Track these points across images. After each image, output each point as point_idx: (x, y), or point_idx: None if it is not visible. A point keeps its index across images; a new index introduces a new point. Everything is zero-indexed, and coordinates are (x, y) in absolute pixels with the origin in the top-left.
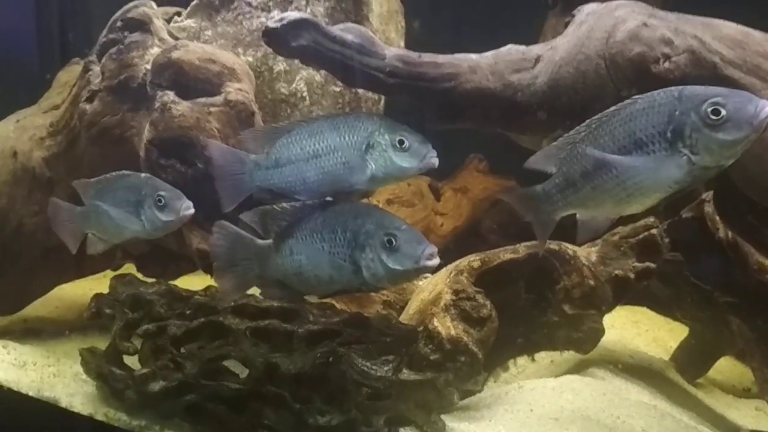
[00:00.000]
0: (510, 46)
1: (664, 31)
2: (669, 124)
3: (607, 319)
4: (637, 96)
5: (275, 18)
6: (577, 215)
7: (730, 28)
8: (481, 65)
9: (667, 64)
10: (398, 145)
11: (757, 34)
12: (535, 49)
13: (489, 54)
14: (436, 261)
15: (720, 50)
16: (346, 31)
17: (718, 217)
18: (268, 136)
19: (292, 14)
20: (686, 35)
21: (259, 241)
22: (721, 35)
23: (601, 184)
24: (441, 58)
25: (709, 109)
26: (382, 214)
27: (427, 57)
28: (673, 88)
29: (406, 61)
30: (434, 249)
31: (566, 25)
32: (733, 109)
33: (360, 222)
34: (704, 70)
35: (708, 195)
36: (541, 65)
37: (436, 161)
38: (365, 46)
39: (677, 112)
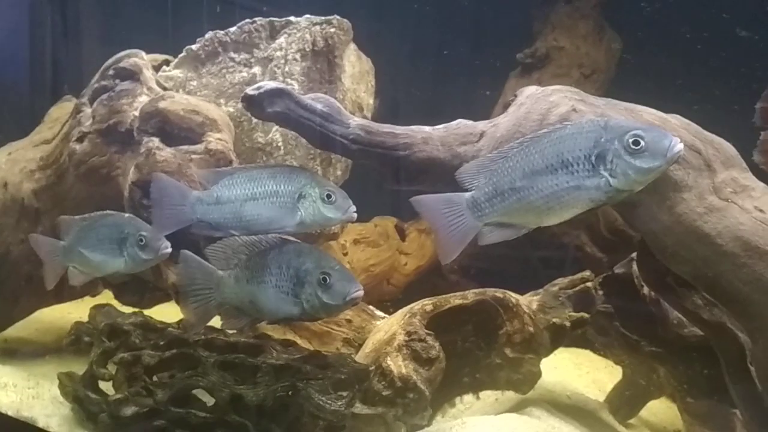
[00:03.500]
0: (459, 121)
1: (590, 117)
2: (594, 149)
3: (551, 361)
4: (566, 123)
5: (254, 86)
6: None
7: (650, 114)
8: (433, 137)
9: None
10: (326, 199)
11: (673, 120)
12: (480, 126)
13: (440, 127)
14: (360, 294)
15: None
16: (316, 100)
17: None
18: (211, 176)
19: (269, 84)
20: None
21: (220, 272)
22: (641, 120)
23: (527, 197)
24: (398, 129)
25: (631, 140)
26: (320, 255)
27: (386, 128)
28: (598, 118)
29: (367, 130)
30: (360, 287)
31: (506, 105)
32: (651, 141)
33: (301, 261)
34: None
35: (634, 255)
36: (485, 140)
37: (355, 215)
38: (332, 115)
39: (603, 139)
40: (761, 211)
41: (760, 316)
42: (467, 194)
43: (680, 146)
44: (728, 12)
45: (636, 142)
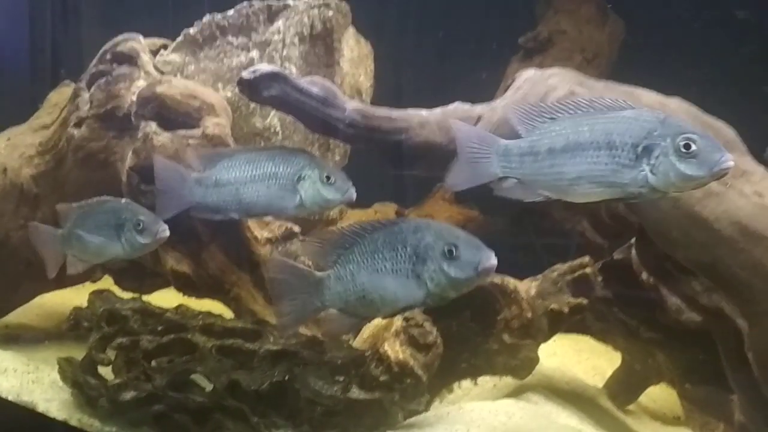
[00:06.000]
0: (456, 104)
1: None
2: (644, 140)
3: (550, 347)
4: (624, 105)
5: (249, 69)
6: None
7: (649, 97)
8: (430, 121)
9: None
10: (326, 180)
11: (672, 104)
12: (478, 109)
13: (437, 110)
14: (494, 262)
15: None
16: (312, 83)
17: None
18: (210, 158)
19: (264, 67)
20: None
21: (317, 273)
22: (640, 103)
23: (561, 165)
24: (394, 113)
25: (683, 142)
26: (440, 226)
27: (382, 111)
28: (660, 112)
29: (363, 114)
30: (491, 253)
31: (507, 89)
32: (703, 149)
33: (420, 236)
34: None
35: (633, 240)
36: (482, 124)
37: (354, 196)
38: (328, 99)
39: (656, 133)
40: (760, 195)
41: (757, 301)
42: (503, 141)
43: (731, 164)
44: None
45: (687, 146)
